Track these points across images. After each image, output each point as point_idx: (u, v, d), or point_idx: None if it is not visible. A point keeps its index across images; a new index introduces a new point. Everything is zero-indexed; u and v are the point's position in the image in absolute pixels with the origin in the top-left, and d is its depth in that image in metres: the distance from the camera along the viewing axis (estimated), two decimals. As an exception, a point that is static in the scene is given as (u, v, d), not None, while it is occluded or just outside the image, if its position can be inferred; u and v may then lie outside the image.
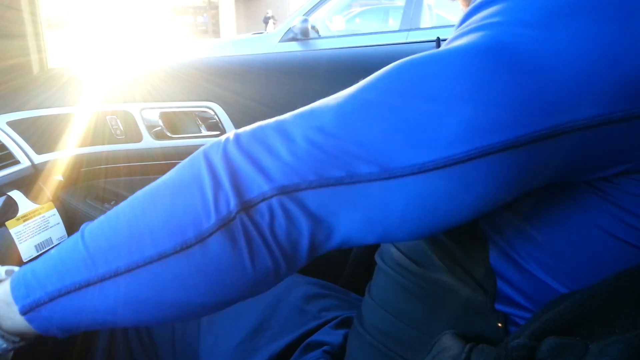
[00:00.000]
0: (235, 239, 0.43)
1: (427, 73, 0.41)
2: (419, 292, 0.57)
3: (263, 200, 0.42)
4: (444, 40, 1.25)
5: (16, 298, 0.48)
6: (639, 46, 0.37)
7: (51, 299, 0.46)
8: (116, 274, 0.44)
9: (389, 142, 0.41)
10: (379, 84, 0.43)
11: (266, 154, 0.43)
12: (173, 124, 1.27)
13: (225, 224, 0.43)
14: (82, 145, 1.24)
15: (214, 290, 0.45)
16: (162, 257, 0.43)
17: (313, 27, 4.45)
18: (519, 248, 0.48)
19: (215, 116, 1.22)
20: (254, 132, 0.45)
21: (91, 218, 1.29)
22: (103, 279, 0.45)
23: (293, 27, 4.40)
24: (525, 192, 0.44)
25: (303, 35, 4.37)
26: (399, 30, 4.53)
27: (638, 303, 0.39)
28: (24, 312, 0.48)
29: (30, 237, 1.11)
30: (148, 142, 1.24)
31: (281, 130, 0.44)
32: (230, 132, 0.47)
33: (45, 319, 0.48)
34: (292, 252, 0.45)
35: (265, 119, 0.47)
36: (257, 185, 0.43)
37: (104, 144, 1.25)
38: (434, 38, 1.26)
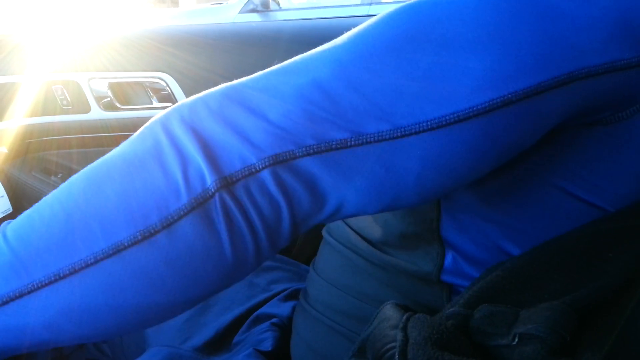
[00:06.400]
0: (212, 221, 0.35)
1: (442, 16, 0.37)
2: (370, 269, 0.57)
3: (250, 174, 0.35)
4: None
5: None
6: None
7: None
8: (57, 278, 0.35)
9: (400, 95, 0.36)
10: (382, 29, 0.38)
11: (250, 117, 0.36)
12: (123, 94, 1.23)
13: (199, 204, 0.35)
14: (27, 116, 1.19)
15: (183, 285, 0.37)
16: (117, 250, 0.35)
17: (274, -1, 4.38)
18: (475, 208, 0.48)
19: (167, 87, 1.19)
20: (226, 93, 0.38)
21: (39, 191, 1.25)
22: (39, 287, 0.35)
23: (253, -3, 4.31)
24: (540, 137, 0.41)
25: (263, 7, 4.28)
26: (361, 4, 4.50)
27: (566, 269, 0.40)
28: None
29: (-27, 212, 1.08)
30: (97, 113, 1.21)
31: (266, 88, 0.37)
32: (187, 99, 0.39)
33: None
34: (277, 230, 0.38)
35: None
36: (241, 157, 0.35)
37: (51, 115, 1.20)
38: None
